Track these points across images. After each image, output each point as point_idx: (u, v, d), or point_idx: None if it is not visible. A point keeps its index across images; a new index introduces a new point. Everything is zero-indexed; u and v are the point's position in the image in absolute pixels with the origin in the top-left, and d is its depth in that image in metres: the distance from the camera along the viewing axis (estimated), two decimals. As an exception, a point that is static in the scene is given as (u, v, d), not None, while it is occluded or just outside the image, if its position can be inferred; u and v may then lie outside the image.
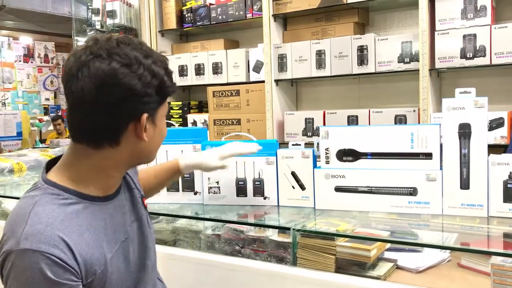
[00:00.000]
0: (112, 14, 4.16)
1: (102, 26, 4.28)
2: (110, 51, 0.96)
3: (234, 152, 1.50)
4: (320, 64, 3.22)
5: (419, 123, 2.82)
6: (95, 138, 0.99)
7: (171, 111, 3.88)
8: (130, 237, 1.10)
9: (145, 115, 0.98)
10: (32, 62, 8.70)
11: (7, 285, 0.92)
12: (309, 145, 1.64)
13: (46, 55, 8.88)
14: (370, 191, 1.47)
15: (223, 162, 1.48)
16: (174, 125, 1.99)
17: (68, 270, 0.90)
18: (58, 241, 0.91)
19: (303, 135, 3.33)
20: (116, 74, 0.95)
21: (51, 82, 8.91)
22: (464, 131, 1.36)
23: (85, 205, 0.99)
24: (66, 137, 5.78)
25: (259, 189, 1.63)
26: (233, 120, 3.58)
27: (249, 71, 3.58)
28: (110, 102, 0.96)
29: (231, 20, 3.62)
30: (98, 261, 0.97)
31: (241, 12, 3.56)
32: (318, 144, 1.59)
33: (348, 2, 3.08)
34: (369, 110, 3.08)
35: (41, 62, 8.82)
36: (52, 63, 8.96)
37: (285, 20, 3.50)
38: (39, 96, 8.67)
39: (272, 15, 3.37)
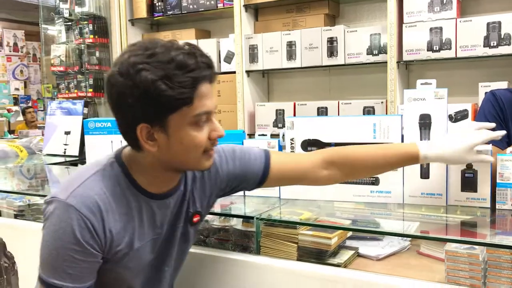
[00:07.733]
0: (80, 2, 4.08)
1: (70, 14, 4.19)
2: (118, 59, 0.99)
3: (486, 139, 1.24)
4: (291, 55, 3.23)
5: (386, 114, 2.86)
6: (125, 140, 1.05)
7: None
8: (161, 238, 1.13)
9: (140, 126, 0.96)
10: (0, 51, 8.47)
11: (45, 225, 1.00)
12: (275, 136, 1.65)
13: (15, 44, 8.65)
14: (333, 180, 1.49)
15: (480, 156, 1.24)
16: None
17: (94, 239, 0.98)
18: (97, 211, 0.99)
19: (273, 126, 3.35)
20: (114, 82, 0.96)
21: (21, 71, 8.69)
22: (425, 122, 1.39)
23: (132, 193, 1.05)
24: (36, 128, 5.61)
25: (225, 179, 1.63)
26: (205, 111, 3.57)
27: (220, 62, 3.58)
28: (114, 109, 1.00)
29: (202, 9, 3.60)
30: (125, 244, 1.04)
31: (212, 2, 3.55)
32: (284, 134, 1.60)
33: (319, -7, 3.11)
34: (339, 102, 3.11)
35: (10, 51, 8.58)
36: (22, 52, 8.73)
37: (257, 11, 3.50)
38: (8, 85, 8.45)
39: (244, 6, 3.36)
